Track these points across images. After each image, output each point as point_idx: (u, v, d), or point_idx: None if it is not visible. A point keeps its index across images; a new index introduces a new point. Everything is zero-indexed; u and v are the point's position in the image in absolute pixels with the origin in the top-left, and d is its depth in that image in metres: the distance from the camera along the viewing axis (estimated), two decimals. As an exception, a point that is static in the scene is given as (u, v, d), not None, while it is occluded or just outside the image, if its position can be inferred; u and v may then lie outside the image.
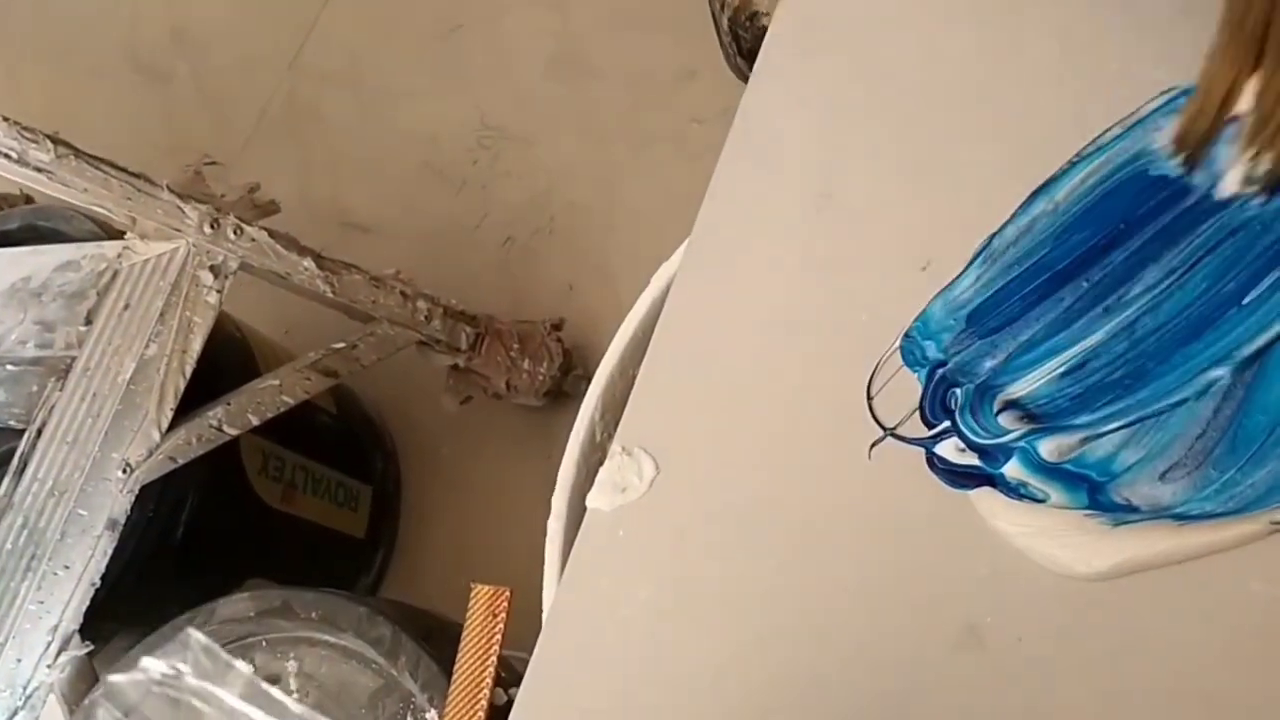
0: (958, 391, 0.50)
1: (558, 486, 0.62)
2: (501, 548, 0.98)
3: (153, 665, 0.31)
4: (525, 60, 1.39)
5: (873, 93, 0.58)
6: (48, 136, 0.91)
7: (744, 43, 0.82)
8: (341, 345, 1.03)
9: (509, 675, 0.67)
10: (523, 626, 0.63)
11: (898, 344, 0.52)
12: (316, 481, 1.13)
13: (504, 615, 0.69)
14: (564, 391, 1.17)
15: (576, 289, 1.25)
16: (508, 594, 0.69)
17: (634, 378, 0.59)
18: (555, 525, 0.61)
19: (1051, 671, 0.46)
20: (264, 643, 0.85)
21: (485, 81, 1.40)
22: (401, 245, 1.34)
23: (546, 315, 1.19)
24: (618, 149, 1.30)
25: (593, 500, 0.56)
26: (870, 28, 0.60)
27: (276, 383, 1.00)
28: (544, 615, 0.59)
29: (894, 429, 0.51)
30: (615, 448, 0.57)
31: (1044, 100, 0.54)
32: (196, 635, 0.32)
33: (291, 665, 0.84)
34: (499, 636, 0.69)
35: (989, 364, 0.50)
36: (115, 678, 0.31)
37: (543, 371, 1.14)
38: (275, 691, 0.32)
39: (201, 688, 0.31)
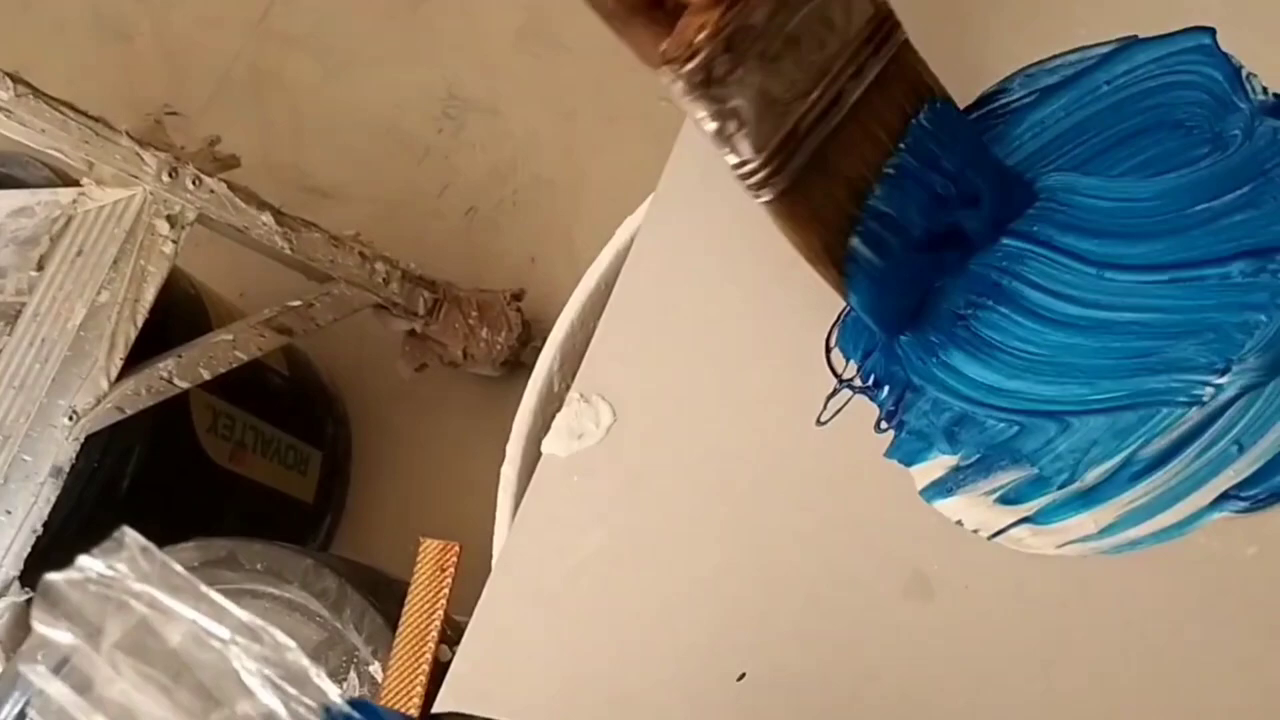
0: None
1: (513, 434, 0.62)
2: (452, 517, 0.97)
3: (90, 564, 0.31)
4: (494, 31, 1.38)
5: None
6: (8, 75, 0.90)
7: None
8: (297, 303, 1.02)
9: (455, 633, 0.67)
10: (472, 591, 0.63)
11: (858, 297, 0.52)
12: (266, 442, 1.12)
13: (453, 570, 0.69)
14: (521, 362, 1.16)
15: (539, 261, 1.25)
16: (457, 549, 0.69)
17: (594, 329, 0.59)
18: (509, 471, 0.61)
19: (999, 619, 0.46)
20: (207, 595, 0.84)
21: (453, 51, 1.39)
22: (362, 211, 1.33)
23: (507, 285, 1.18)
24: (584, 124, 1.29)
25: (548, 446, 0.56)
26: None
27: (230, 337, 0.98)
28: (494, 561, 0.58)
29: (850, 380, 0.51)
30: (573, 394, 0.57)
31: (1011, 66, 0.55)
32: (133, 535, 0.31)
33: (234, 618, 0.83)
34: (447, 591, 0.69)
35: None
36: (52, 576, 0.30)
37: (501, 341, 1.13)
38: (216, 595, 0.31)
39: (142, 590, 0.31)
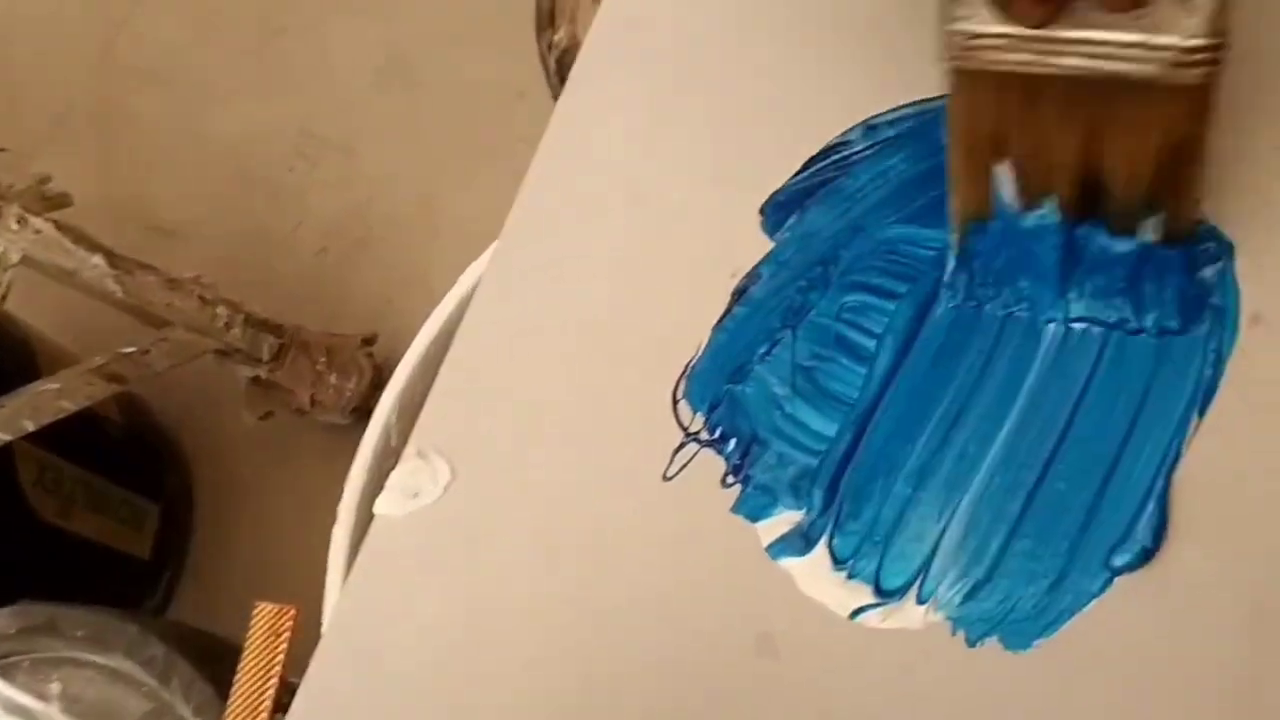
0: (760, 398, 0.49)
1: (345, 492, 0.59)
2: (299, 571, 0.93)
3: None
4: (351, 70, 1.35)
5: (686, 102, 0.58)
6: None
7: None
8: (131, 350, 0.97)
9: (291, 700, 0.63)
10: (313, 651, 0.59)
11: (704, 350, 0.51)
12: (98, 496, 1.06)
13: (288, 635, 0.65)
14: (372, 410, 1.13)
15: (394, 304, 1.21)
16: (292, 613, 0.65)
17: (434, 381, 0.56)
18: (340, 533, 0.58)
19: (845, 679, 0.45)
20: (26, 663, 0.79)
21: (307, 89, 1.36)
22: (209, 251, 1.28)
23: (361, 330, 1.15)
24: (442, 164, 1.27)
25: (381, 506, 0.54)
26: (685, 39, 0.59)
27: (56, 386, 0.93)
28: (323, 628, 0.55)
29: (696, 433, 0.50)
30: (410, 450, 0.54)
31: (853, 118, 0.55)
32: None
33: (55, 687, 0.78)
34: (281, 657, 0.65)
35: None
36: None
37: (351, 387, 1.09)
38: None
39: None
